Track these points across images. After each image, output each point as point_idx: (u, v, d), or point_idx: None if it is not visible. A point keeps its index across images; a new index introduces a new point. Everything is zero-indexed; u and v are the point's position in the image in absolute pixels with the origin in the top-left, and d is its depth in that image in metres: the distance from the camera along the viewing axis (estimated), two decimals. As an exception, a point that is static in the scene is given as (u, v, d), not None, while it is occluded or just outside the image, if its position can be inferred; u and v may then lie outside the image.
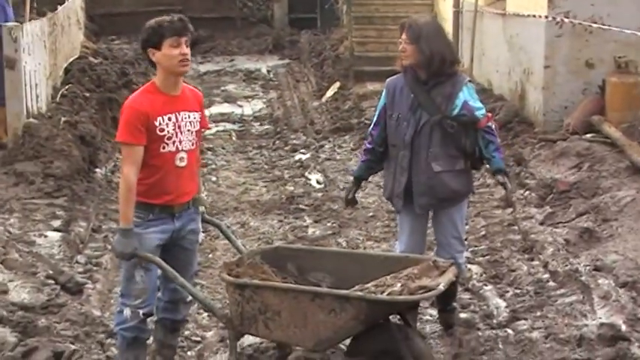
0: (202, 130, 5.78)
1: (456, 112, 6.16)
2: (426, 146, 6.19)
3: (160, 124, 5.39)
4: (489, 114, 6.37)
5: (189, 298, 5.77)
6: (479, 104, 6.26)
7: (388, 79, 6.48)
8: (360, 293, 5.31)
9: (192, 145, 5.58)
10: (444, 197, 6.27)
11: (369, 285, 5.45)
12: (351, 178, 6.87)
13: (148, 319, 5.66)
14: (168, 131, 5.43)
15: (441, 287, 5.30)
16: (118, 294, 6.98)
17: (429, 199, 6.27)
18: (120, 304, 5.60)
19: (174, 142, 5.46)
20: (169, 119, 5.44)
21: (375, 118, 6.51)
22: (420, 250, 6.42)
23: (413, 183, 6.26)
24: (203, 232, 8.47)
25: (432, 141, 6.19)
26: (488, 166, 6.45)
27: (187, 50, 5.46)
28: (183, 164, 5.53)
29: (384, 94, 6.44)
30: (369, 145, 6.52)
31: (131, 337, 5.58)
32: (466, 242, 8.38)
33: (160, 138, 5.40)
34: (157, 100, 5.42)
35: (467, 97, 6.20)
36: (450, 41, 6.46)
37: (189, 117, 5.57)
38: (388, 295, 5.29)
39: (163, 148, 5.43)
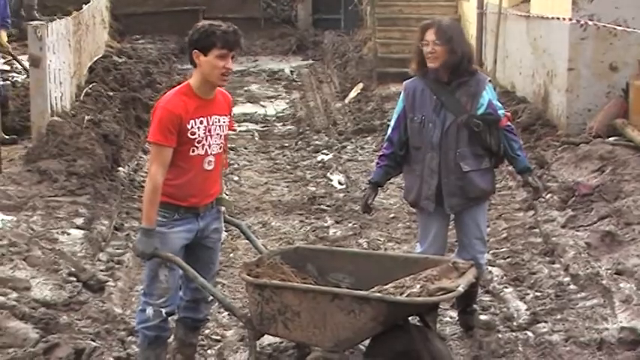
0: (228, 132, 5.77)
1: (481, 110, 6.19)
2: (453, 147, 6.21)
3: (191, 127, 5.39)
4: (508, 113, 6.43)
5: (211, 297, 5.80)
6: (499, 103, 6.36)
7: (406, 82, 6.45)
8: (379, 294, 5.31)
9: (220, 148, 5.61)
10: (474, 196, 6.29)
11: (388, 286, 5.45)
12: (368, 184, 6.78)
13: (169, 318, 5.69)
14: (199, 135, 5.43)
15: (460, 289, 5.30)
16: (139, 292, 7.03)
17: (460, 199, 6.28)
18: (142, 303, 5.62)
19: (203, 146, 5.47)
20: (201, 123, 5.44)
21: (393, 123, 6.47)
22: (442, 252, 6.43)
23: (442, 184, 6.26)
24: (225, 231, 8.53)
25: (459, 141, 6.20)
26: (512, 166, 6.47)
27: (231, 65, 5.42)
28: (210, 167, 5.56)
29: (402, 97, 6.41)
30: (386, 151, 6.47)
31: (153, 336, 5.61)
32: (487, 244, 8.40)
33: (190, 141, 5.41)
34: (190, 103, 5.40)
35: (491, 95, 6.27)
36: (469, 42, 6.56)
37: (219, 121, 5.56)
38: (407, 296, 5.29)
39: (193, 151, 5.45)
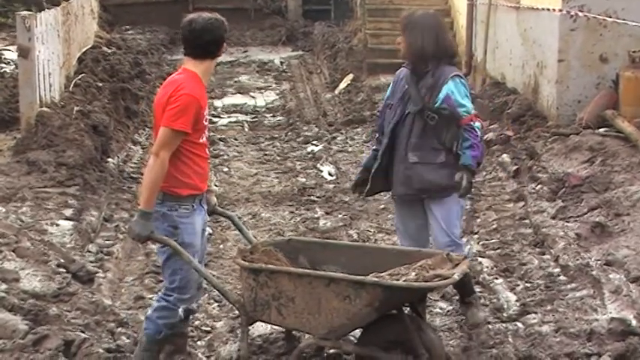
0: None
1: (437, 104, 6.18)
2: (406, 136, 6.26)
3: (205, 114, 5.58)
4: (475, 114, 6.24)
5: (204, 283, 5.83)
6: (464, 101, 6.19)
7: (398, 70, 6.55)
8: (375, 279, 5.32)
9: None
10: (420, 188, 6.28)
11: (383, 274, 5.46)
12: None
13: None
14: (206, 122, 5.64)
15: (456, 276, 5.33)
16: (129, 284, 7.02)
17: (406, 188, 6.33)
18: (173, 301, 5.61)
19: (205, 133, 5.65)
20: (206, 110, 5.63)
21: (382, 109, 6.68)
22: (420, 244, 6.37)
23: (393, 172, 6.35)
24: (215, 222, 8.54)
25: (412, 131, 6.25)
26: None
27: None
28: (208, 153, 5.79)
29: (391, 83, 6.58)
30: (376, 135, 6.67)
31: (170, 334, 5.71)
32: (476, 236, 8.41)
33: (203, 128, 5.58)
34: (203, 91, 5.58)
35: (450, 90, 6.16)
36: (442, 36, 6.33)
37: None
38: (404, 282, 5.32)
39: (201, 138, 5.60)
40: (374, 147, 6.70)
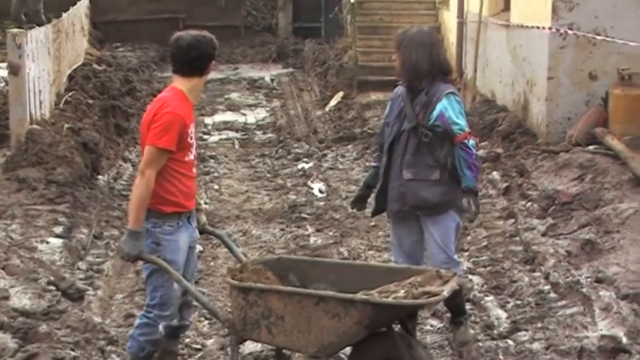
0: None
1: (431, 121, 6.18)
2: (401, 154, 6.27)
3: (190, 132, 5.57)
4: (469, 131, 6.24)
5: (193, 301, 5.83)
6: (458, 119, 6.17)
7: (396, 87, 6.56)
8: (365, 297, 5.32)
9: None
10: (414, 205, 6.26)
11: (372, 292, 5.46)
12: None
13: None
14: (192, 139, 5.62)
15: (445, 293, 5.32)
16: (120, 302, 7.00)
17: (400, 205, 6.32)
18: (153, 318, 5.62)
19: (191, 151, 5.65)
20: (192, 128, 5.62)
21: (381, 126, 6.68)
22: (414, 261, 6.36)
23: (389, 189, 6.34)
24: (205, 240, 8.52)
25: (407, 149, 6.25)
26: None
27: None
28: (195, 171, 5.78)
29: (389, 102, 6.59)
30: (375, 153, 6.73)
31: (153, 350, 5.70)
32: (466, 253, 8.41)
33: (188, 146, 5.57)
34: (189, 109, 5.58)
35: (444, 108, 6.15)
36: (436, 52, 6.30)
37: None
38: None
39: (187, 156, 5.60)
40: (374, 164, 6.73)
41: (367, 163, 11.47)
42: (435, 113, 6.15)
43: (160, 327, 5.63)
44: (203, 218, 6.01)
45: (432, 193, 6.24)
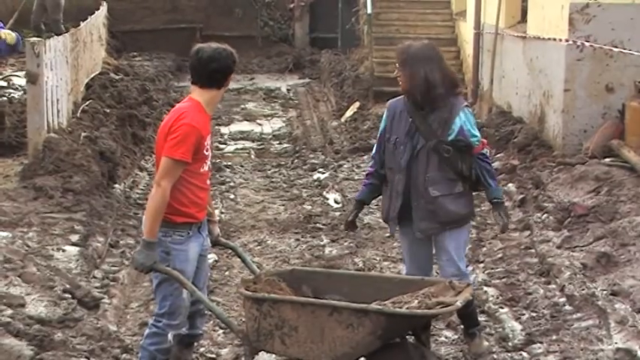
0: None
1: (452, 137, 6.15)
2: (423, 171, 6.19)
3: (206, 144, 5.59)
4: (484, 140, 6.34)
5: (206, 310, 5.85)
6: (474, 131, 6.23)
7: (390, 102, 6.53)
8: (378, 307, 5.32)
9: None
10: (447, 220, 6.24)
11: (386, 302, 5.46)
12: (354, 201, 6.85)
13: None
14: (208, 151, 5.65)
15: (458, 304, 5.33)
16: (135, 311, 7.01)
17: (430, 223, 6.25)
18: (162, 327, 5.65)
19: (207, 163, 5.68)
20: (208, 140, 5.65)
21: (377, 141, 6.55)
22: (426, 273, 6.36)
23: (412, 208, 6.26)
24: (220, 249, 8.52)
25: (429, 166, 6.19)
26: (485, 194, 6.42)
27: None
28: (209, 182, 5.82)
29: (384, 116, 6.48)
30: (371, 169, 6.57)
31: (164, 359, 5.70)
32: (482, 265, 8.40)
33: (203, 158, 5.60)
34: (205, 121, 5.60)
35: (463, 122, 6.17)
36: (443, 66, 6.28)
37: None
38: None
39: (202, 167, 5.63)
40: (368, 181, 6.60)
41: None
42: (456, 128, 6.14)
43: (169, 336, 5.65)
44: (217, 230, 6.04)
45: (459, 206, 6.24)
